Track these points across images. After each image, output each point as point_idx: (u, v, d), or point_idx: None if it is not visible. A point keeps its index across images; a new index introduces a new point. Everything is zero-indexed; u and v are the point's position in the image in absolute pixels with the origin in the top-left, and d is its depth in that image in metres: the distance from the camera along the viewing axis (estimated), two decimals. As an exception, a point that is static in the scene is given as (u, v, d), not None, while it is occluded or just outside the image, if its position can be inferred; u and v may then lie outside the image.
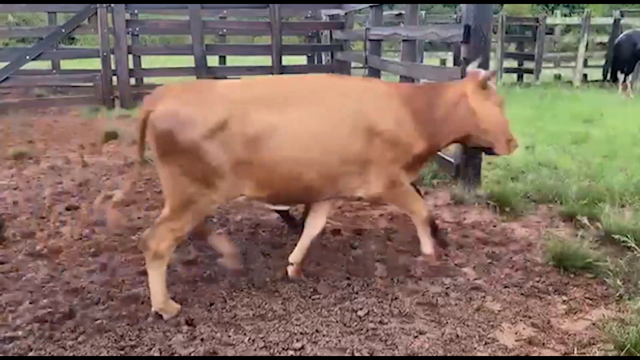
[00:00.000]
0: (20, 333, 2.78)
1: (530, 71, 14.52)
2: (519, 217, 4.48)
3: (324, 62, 11.86)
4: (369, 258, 3.69)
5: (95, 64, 9.74)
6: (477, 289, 3.29)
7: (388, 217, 4.50)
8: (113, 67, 9.33)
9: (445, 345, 2.71)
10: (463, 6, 4.83)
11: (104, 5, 8.97)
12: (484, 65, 4.75)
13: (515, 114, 8.78)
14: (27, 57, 9.03)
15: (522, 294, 3.22)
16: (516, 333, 2.85)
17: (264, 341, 2.74)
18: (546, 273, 3.46)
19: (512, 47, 16.74)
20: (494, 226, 4.31)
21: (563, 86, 13.18)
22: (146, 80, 11.68)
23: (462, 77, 4.79)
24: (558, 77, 15.18)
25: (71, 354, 2.62)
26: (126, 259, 3.69)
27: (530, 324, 2.92)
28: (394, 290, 3.24)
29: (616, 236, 3.64)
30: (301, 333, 2.80)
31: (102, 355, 2.61)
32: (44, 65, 11.35)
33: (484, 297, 3.20)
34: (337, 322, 2.90)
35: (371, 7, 7.89)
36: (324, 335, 2.78)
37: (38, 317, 2.93)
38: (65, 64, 11.73)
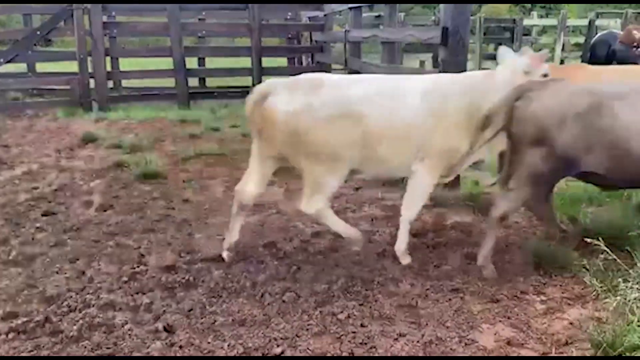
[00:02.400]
0: (7, 337, 2.73)
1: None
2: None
3: (304, 64, 11.85)
4: (350, 261, 3.68)
5: (72, 66, 9.60)
6: (456, 290, 3.30)
7: (369, 219, 4.51)
8: (90, 69, 9.20)
9: (425, 347, 2.72)
10: (441, 8, 4.87)
11: (81, 7, 8.84)
12: (462, 67, 4.82)
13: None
14: (1, 60, 8.86)
15: (501, 295, 3.24)
16: (495, 334, 2.87)
17: (243, 347, 2.72)
18: (525, 274, 3.49)
19: (491, 48, 16.90)
20: (472, 227, 4.34)
21: (541, 87, 13.34)
22: (125, 83, 11.55)
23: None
24: (536, 77, 15.36)
25: (46, 364, 2.57)
26: (103, 266, 3.63)
27: (509, 325, 2.95)
28: (375, 293, 3.24)
29: (591, 237, 3.69)
30: (281, 338, 2.79)
31: (78, 364, 2.57)
32: (19, 68, 11.15)
33: (463, 298, 3.22)
34: (317, 325, 2.89)
35: (350, 8, 7.91)
36: (304, 340, 2.77)
37: (13, 327, 2.86)
38: (41, 67, 11.54)
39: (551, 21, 16.59)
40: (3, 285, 3.35)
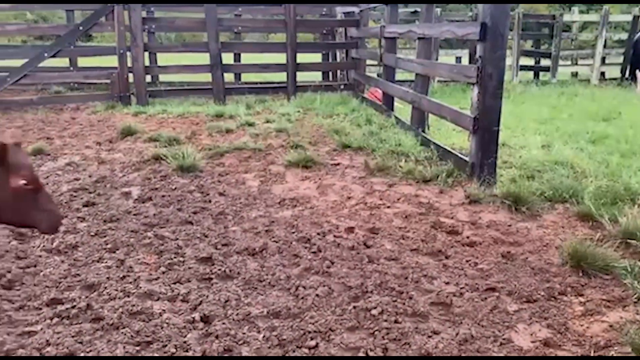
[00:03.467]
0: (39, 327, 2.82)
1: (546, 69, 14.38)
2: (534, 216, 4.45)
3: (338, 60, 11.84)
4: (384, 257, 3.68)
5: (111, 61, 9.83)
6: (492, 289, 3.27)
7: (402, 215, 4.49)
8: (129, 64, 9.40)
9: (459, 345, 2.70)
10: (480, 4, 4.79)
11: (121, 3, 9.03)
12: (500, 63, 4.74)
13: (532, 113, 8.73)
14: (46, 55, 9.13)
15: (538, 295, 3.19)
16: (532, 334, 2.83)
17: (278, 339, 2.75)
18: (563, 274, 3.43)
19: (528, 45, 16.58)
20: (509, 226, 4.28)
21: (580, 84, 13.03)
22: (162, 77, 11.77)
23: (477, 76, 4.79)
24: (575, 75, 15.01)
25: (88, 349, 2.65)
26: (142, 256, 3.72)
27: (546, 325, 2.90)
28: (409, 289, 3.23)
29: (635, 237, 3.60)
30: (315, 331, 2.80)
31: (118, 350, 2.64)
32: (62, 62, 11.48)
33: (499, 297, 3.19)
34: (351, 320, 2.90)
35: (386, 4, 7.85)
36: (338, 334, 2.78)
37: (56, 312, 2.96)
38: (82, 61, 11.86)
39: (592, 17, 16.12)
40: (47, 272, 3.46)
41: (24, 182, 2.68)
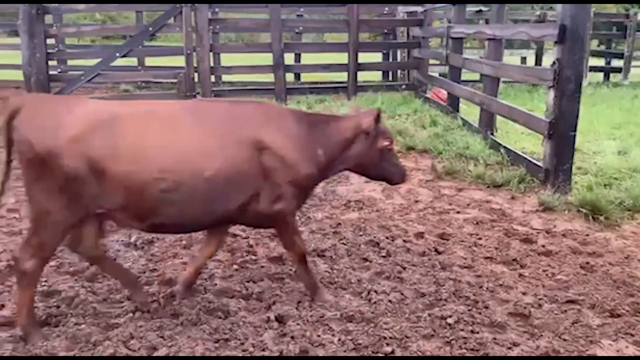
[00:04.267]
0: (122, 320, 2.93)
1: (618, 70, 13.73)
2: (613, 226, 4.26)
3: (399, 59, 11.72)
4: (457, 264, 3.61)
5: (174, 61, 10.09)
6: (572, 301, 3.15)
7: (473, 222, 4.39)
8: (194, 64, 9.63)
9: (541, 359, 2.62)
10: (559, 4, 4.63)
11: (188, 4, 9.27)
12: (579, 66, 4.56)
13: (604, 116, 8.35)
14: (117, 55, 9.48)
15: (622, 309, 3.05)
16: (618, 351, 2.71)
17: (353, 343, 2.74)
18: (649, 288, 3.27)
19: (595, 44, 15.88)
20: (587, 235, 4.11)
21: (655, 86, 12.38)
22: (224, 77, 12.01)
23: (553, 79, 4.63)
24: (649, 76, 14.26)
25: (169, 344, 2.72)
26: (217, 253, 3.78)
27: (632, 342, 2.78)
28: (485, 298, 3.16)
29: None
30: (390, 337, 2.78)
31: (198, 346, 2.70)
32: (129, 62, 11.89)
33: (580, 310, 3.07)
34: (426, 328, 2.86)
35: (454, 4, 7.71)
36: (413, 342, 2.75)
37: (138, 307, 3.06)
38: (147, 61, 12.26)
39: (669, 15, 15.27)
40: (126, 267, 3.59)
41: (387, 142, 3.21)
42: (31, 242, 2.70)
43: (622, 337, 2.82)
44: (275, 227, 3.10)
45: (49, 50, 9.76)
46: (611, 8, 24.44)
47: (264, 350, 2.70)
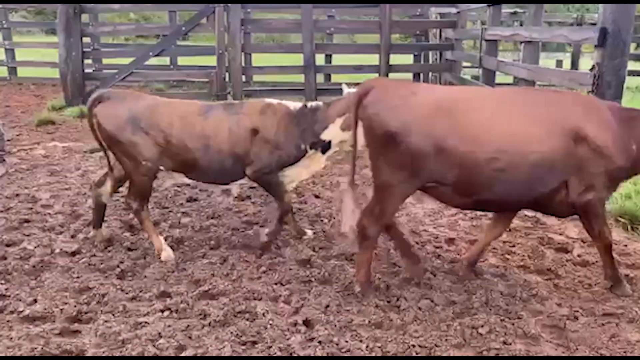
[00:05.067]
0: (151, 319, 2.94)
1: (658, 75, 13.30)
2: (646, 238, 4.11)
3: (430, 62, 11.59)
4: (488, 272, 3.53)
5: (206, 60, 10.16)
6: (610, 314, 3.04)
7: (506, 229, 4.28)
8: (226, 64, 9.69)
9: (577, 374, 2.53)
10: (601, 6, 4.48)
11: (221, 4, 9.33)
12: (620, 71, 4.41)
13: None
14: (151, 54, 9.61)
15: (663, 326, 2.93)
16: (658, 368, 2.60)
17: (381, 350, 2.70)
18: (692, 304, 3.13)
19: (633, 47, 15.42)
20: (625, 246, 3.97)
21: (698, 92, 11.94)
22: (255, 78, 12.05)
23: (593, 84, 4.49)
24: (691, 81, 13.77)
25: (196, 345, 2.73)
26: (243, 254, 3.78)
27: (674, 360, 2.65)
28: (517, 309, 3.07)
29: None
30: (420, 346, 2.73)
31: (225, 348, 2.69)
32: (161, 61, 12.04)
33: (618, 324, 2.95)
34: (456, 337, 2.80)
35: (489, 6, 7.58)
36: (443, 351, 2.69)
37: (166, 305, 3.08)
38: (180, 60, 12.39)
39: None
40: (156, 265, 3.61)
41: None
42: (374, 210, 3.12)
43: (663, 354, 2.71)
44: (584, 216, 3.15)
45: (85, 49, 9.97)
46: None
47: (290, 354, 2.68)
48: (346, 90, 4.14)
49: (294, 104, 3.88)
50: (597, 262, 3.69)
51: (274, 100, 3.87)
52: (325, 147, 3.85)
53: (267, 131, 3.68)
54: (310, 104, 3.92)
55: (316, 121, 3.77)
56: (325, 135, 3.78)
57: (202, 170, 3.70)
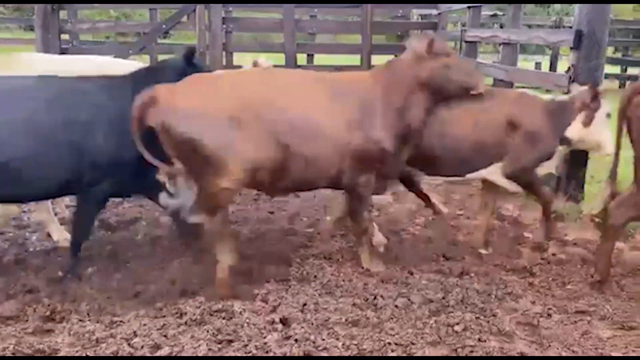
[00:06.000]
0: (126, 318, 2.92)
1: (634, 78, 13.55)
2: (626, 237, 4.18)
3: (412, 63, 11.68)
4: (465, 271, 3.56)
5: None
6: (582, 312, 3.09)
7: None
8: (207, 62, 9.63)
9: (549, 370, 2.57)
10: (576, 8, 4.56)
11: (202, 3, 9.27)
12: (595, 73, 4.49)
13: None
14: (130, 52, 9.50)
15: (634, 322, 2.99)
16: (628, 364, 2.65)
17: (357, 348, 2.70)
18: (662, 300, 3.20)
19: (611, 51, 15.71)
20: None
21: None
22: (237, 76, 11.99)
23: (568, 85, 4.56)
24: (666, 85, 14.06)
25: (172, 343, 2.70)
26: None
27: (644, 357, 2.71)
28: (492, 307, 3.10)
29: None
30: (396, 344, 2.74)
31: (201, 346, 2.67)
32: (142, 59, 11.92)
33: (590, 321, 3.00)
34: (432, 335, 2.82)
35: (469, 7, 7.65)
36: (419, 348, 2.71)
37: (142, 304, 3.06)
38: (160, 58, 12.28)
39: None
40: (134, 265, 3.58)
41: None
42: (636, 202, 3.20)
43: (633, 351, 2.76)
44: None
45: (64, 46, 9.83)
46: (628, 15, 24.20)
47: (267, 352, 2.67)
48: (577, 87, 3.96)
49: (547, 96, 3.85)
50: (571, 260, 3.75)
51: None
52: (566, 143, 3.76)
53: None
54: (557, 97, 3.87)
55: (564, 116, 3.67)
56: (569, 132, 3.68)
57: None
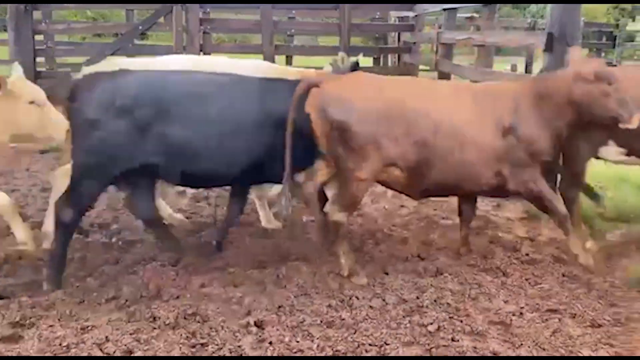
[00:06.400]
0: (98, 323, 2.88)
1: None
2: (597, 236, 4.25)
3: (389, 65, 11.72)
4: (439, 271, 3.59)
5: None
6: (553, 310, 3.14)
7: (458, 228, 4.37)
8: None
9: (521, 368, 2.60)
10: (548, 11, 4.63)
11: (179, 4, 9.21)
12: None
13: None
14: (106, 53, 9.39)
15: (603, 320, 3.04)
16: (598, 361, 2.69)
17: (332, 349, 2.71)
18: (630, 299, 3.27)
19: (584, 53, 15.99)
20: (570, 244, 4.10)
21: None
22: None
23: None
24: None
25: (145, 348, 2.68)
26: (197, 257, 3.74)
27: (613, 353, 2.76)
28: (466, 306, 3.13)
29: None
30: (370, 344, 2.75)
31: (174, 350, 2.65)
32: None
33: (561, 319, 3.05)
34: (406, 335, 2.84)
35: (445, 9, 7.73)
36: (393, 348, 2.72)
37: (114, 309, 3.03)
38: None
39: (658, 26, 15.44)
40: (107, 269, 3.54)
41: None
42: None
43: (602, 347, 2.80)
44: None
45: (38, 47, 9.67)
46: (601, 18, 24.70)
47: (241, 354, 2.67)
48: None
49: None
50: (543, 260, 3.80)
51: None
52: None
53: None
54: None
55: None
56: None
57: None
